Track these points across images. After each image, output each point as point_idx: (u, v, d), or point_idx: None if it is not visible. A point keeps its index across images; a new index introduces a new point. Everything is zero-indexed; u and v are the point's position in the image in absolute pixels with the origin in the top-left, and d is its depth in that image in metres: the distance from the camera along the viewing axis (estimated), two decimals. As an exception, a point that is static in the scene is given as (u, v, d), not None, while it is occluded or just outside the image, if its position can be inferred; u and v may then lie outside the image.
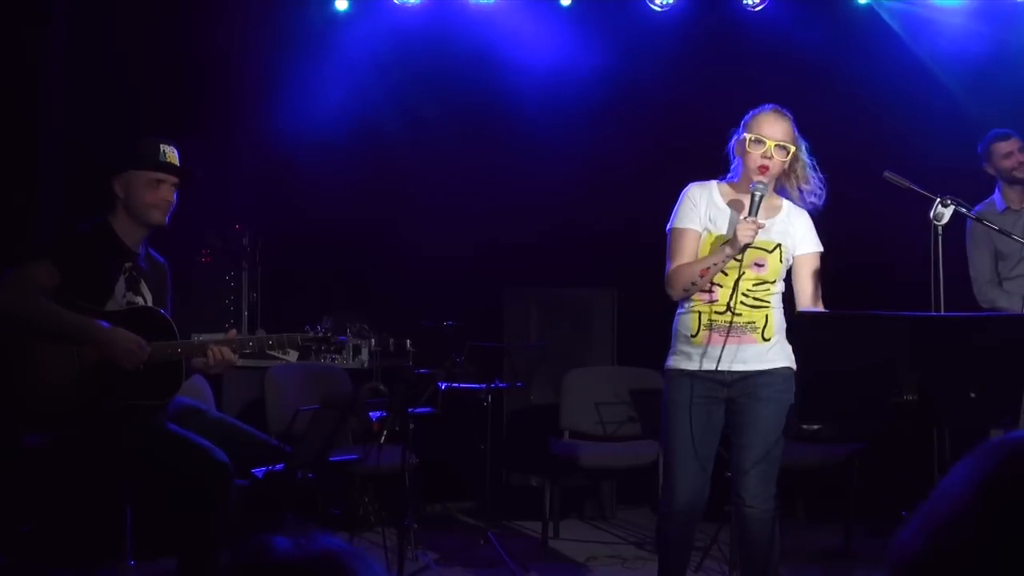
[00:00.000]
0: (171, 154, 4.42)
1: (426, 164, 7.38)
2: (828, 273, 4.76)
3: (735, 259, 4.17)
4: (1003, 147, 6.01)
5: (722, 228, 4.32)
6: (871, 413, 4.33)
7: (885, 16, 7.18)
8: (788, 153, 4.29)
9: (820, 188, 4.46)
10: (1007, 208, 5.99)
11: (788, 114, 4.36)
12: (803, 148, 4.40)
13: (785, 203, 4.40)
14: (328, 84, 7.21)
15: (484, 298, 7.47)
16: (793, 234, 4.40)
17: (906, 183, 4.87)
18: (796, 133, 4.35)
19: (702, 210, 4.36)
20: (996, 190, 6.07)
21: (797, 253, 4.41)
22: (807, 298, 4.39)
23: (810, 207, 4.47)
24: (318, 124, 7.07)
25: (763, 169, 4.22)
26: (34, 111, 5.96)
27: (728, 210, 4.35)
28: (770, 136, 4.25)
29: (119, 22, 6.48)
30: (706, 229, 4.34)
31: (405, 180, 7.40)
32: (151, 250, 4.56)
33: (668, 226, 4.41)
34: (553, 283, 7.39)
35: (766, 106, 4.36)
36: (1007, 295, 5.83)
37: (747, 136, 4.28)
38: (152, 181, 4.38)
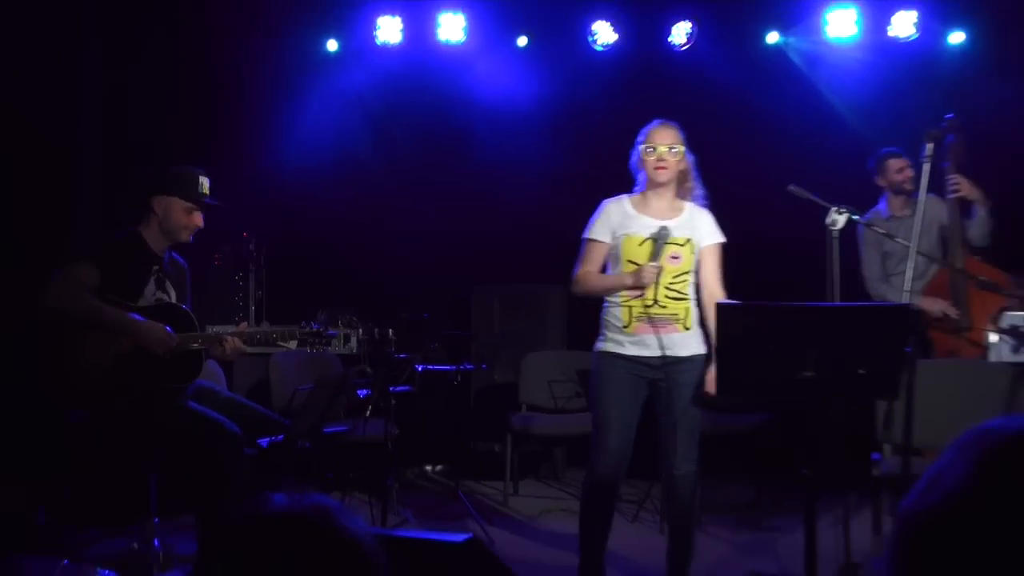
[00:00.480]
0: (206, 187, 4.50)
1: (404, 183, 7.41)
2: (743, 270, 4.82)
3: (640, 286, 4.20)
4: (895, 164, 6.08)
5: (633, 230, 4.33)
6: (777, 388, 4.38)
7: (791, 54, 7.23)
8: (679, 154, 4.35)
9: (702, 195, 4.50)
10: (891, 215, 6.06)
11: (674, 124, 4.42)
12: (689, 159, 4.43)
13: (687, 204, 4.43)
14: (320, 115, 7.23)
15: (454, 294, 7.53)
16: (700, 228, 4.42)
17: (807, 195, 4.92)
18: (683, 139, 4.39)
19: (614, 222, 4.38)
20: (882, 199, 6.13)
21: (703, 245, 4.42)
22: (713, 283, 4.45)
23: (706, 205, 4.49)
24: (312, 149, 7.10)
25: (661, 170, 4.29)
26: (72, 140, 5.93)
27: (638, 215, 4.38)
28: (660, 142, 4.33)
29: (145, 61, 6.47)
30: (623, 235, 4.33)
31: (387, 196, 7.40)
32: (174, 254, 4.61)
33: (584, 234, 4.44)
34: (513, 280, 7.41)
35: (655, 121, 4.43)
36: (894, 289, 5.88)
37: (643, 147, 4.36)
38: (189, 208, 4.43)
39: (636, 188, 4.46)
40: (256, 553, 1.18)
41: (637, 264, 4.24)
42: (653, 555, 4.54)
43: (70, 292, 4.21)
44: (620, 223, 4.38)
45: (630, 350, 4.29)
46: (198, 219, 4.47)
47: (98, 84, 6.06)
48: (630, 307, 4.28)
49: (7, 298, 5.01)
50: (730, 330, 4.28)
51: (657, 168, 4.31)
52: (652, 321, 4.26)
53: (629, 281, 4.21)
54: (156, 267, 4.47)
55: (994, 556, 1.11)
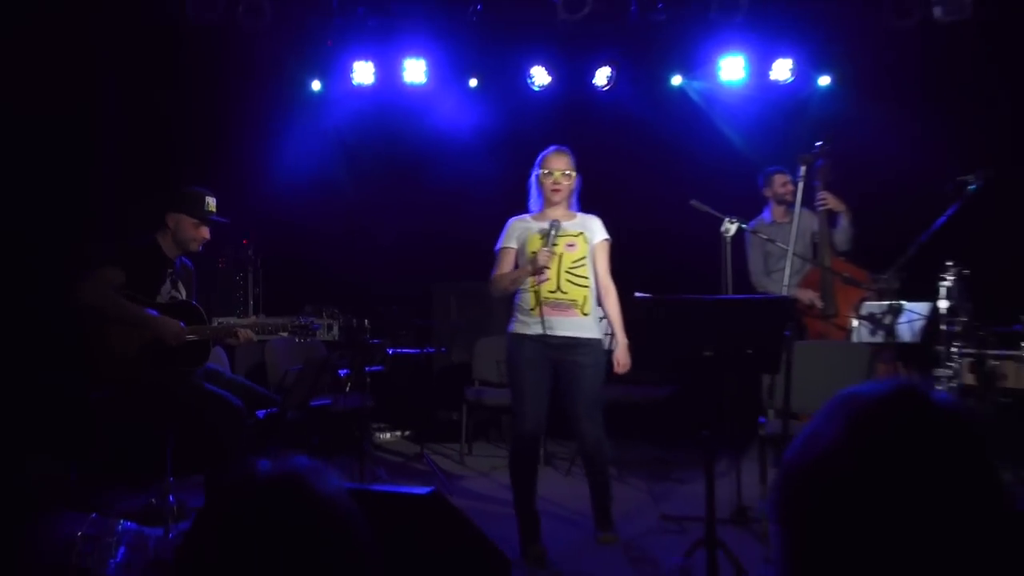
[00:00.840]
0: (212, 205, 4.49)
1: (375, 200, 7.41)
2: (655, 270, 4.87)
3: (538, 272, 4.22)
4: (780, 179, 6.16)
5: (534, 230, 4.36)
6: (682, 365, 4.43)
7: (691, 93, 7.30)
8: (572, 177, 4.37)
9: (578, 199, 4.49)
10: (774, 221, 6.14)
11: (567, 150, 4.44)
12: (576, 180, 4.43)
13: (579, 213, 4.43)
14: (306, 143, 7.20)
15: (418, 290, 7.55)
16: (591, 228, 4.43)
17: (705, 208, 4.98)
18: (574, 163, 4.41)
19: (516, 234, 4.40)
20: (767, 209, 6.22)
21: (595, 241, 4.41)
22: (604, 275, 4.46)
23: (596, 213, 4.50)
24: (299, 172, 7.06)
25: (556, 192, 4.33)
26: (89, 158, 5.85)
27: (536, 225, 4.39)
28: (556, 168, 4.35)
29: (155, 95, 6.39)
30: (525, 236, 4.36)
31: (361, 211, 7.40)
32: (183, 259, 4.58)
33: (496, 247, 4.47)
34: (466, 279, 7.41)
35: (550, 147, 4.45)
36: (774, 283, 5.95)
37: (541, 171, 4.38)
38: (197, 224, 4.42)
39: (534, 208, 4.48)
40: (246, 511, 1.17)
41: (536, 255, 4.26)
42: (583, 502, 4.57)
43: (99, 291, 4.18)
44: (522, 235, 4.40)
45: (535, 330, 4.26)
46: (205, 233, 4.46)
47: (115, 111, 5.97)
48: (536, 292, 4.26)
49: (41, 297, 4.94)
50: (645, 318, 4.32)
51: (553, 190, 4.35)
52: (554, 305, 4.26)
53: (530, 268, 4.23)
54: (170, 270, 4.45)
55: (861, 497, 1.12)
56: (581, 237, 4.35)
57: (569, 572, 4.05)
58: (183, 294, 4.51)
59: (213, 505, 1.22)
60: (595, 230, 4.45)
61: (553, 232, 4.24)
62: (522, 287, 4.32)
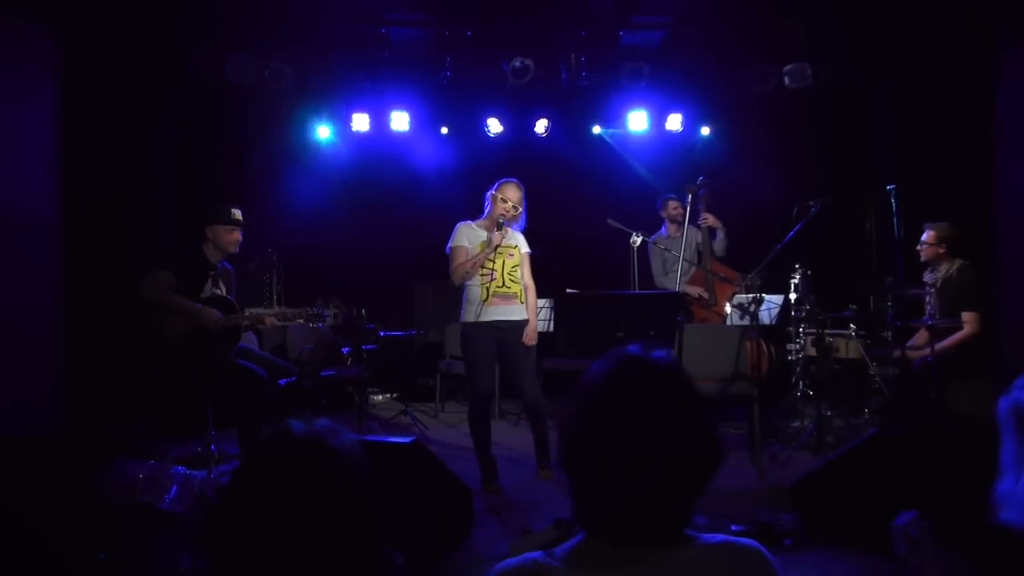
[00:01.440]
0: (237, 214, 4.38)
1: (370, 217, 7.29)
2: (581, 272, 4.84)
3: (494, 255, 4.19)
4: (672, 204, 6.18)
5: (480, 240, 4.30)
6: (600, 345, 4.42)
7: (608, 139, 7.30)
8: (518, 208, 4.29)
9: (524, 222, 4.41)
10: (669, 235, 6.17)
11: (521, 186, 4.36)
12: (522, 203, 4.35)
13: (509, 229, 4.31)
14: (317, 175, 7.09)
15: (403, 287, 7.45)
16: (520, 242, 4.39)
17: (618, 225, 4.98)
18: (523, 195, 4.34)
19: (465, 236, 4.33)
20: (664, 226, 6.24)
21: (524, 252, 4.38)
22: (527, 276, 4.39)
23: (523, 228, 4.42)
24: (313, 195, 6.94)
25: (504, 215, 4.23)
26: (157, 189, 5.72)
27: (482, 232, 4.33)
28: (511, 198, 4.28)
29: (202, 134, 6.26)
30: (473, 244, 4.29)
31: (359, 228, 7.27)
32: (225, 263, 4.47)
33: (448, 247, 4.35)
34: (440, 278, 7.30)
35: (512, 179, 4.36)
36: (670, 281, 5.98)
37: (498, 195, 4.29)
38: (229, 230, 4.32)
39: (483, 216, 4.39)
40: (283, 461, 1.15)
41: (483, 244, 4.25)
42: (529, 447, 4.54)
43: (154, 288, 4.11)
44: (471, 235, 4.33)
45: (486, 316, 4.20)
46: (238, 235, 4.36)
47: (171, 149, 5.85)
48: (486, 287, 4.22)
49: (115, 291, 4.82)
50: (572, 309, 4.32)
51: (501, 214, 4.25)
52: (501, 296, 4.23)
53: (487, 250, 4.18)
54: (212, 272, 4.35)
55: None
56: (516, 249, 4.33)
57: (517, 499, 4.01)
58: (223, 291, 4.40)
59: (255, 456, 1.19)
60: (522, 244, 4.41)
61: (503, 223, 4.21)
62: (474, 284, 4.25)
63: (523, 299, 4.31)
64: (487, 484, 4.22)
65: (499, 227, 4.21)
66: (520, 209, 4.32)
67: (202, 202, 5.01)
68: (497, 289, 4.21)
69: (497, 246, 4.18)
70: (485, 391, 4.26)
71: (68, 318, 4.55)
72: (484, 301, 4.20)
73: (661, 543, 1.14)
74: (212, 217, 4.33)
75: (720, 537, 1.15)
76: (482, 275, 4.23)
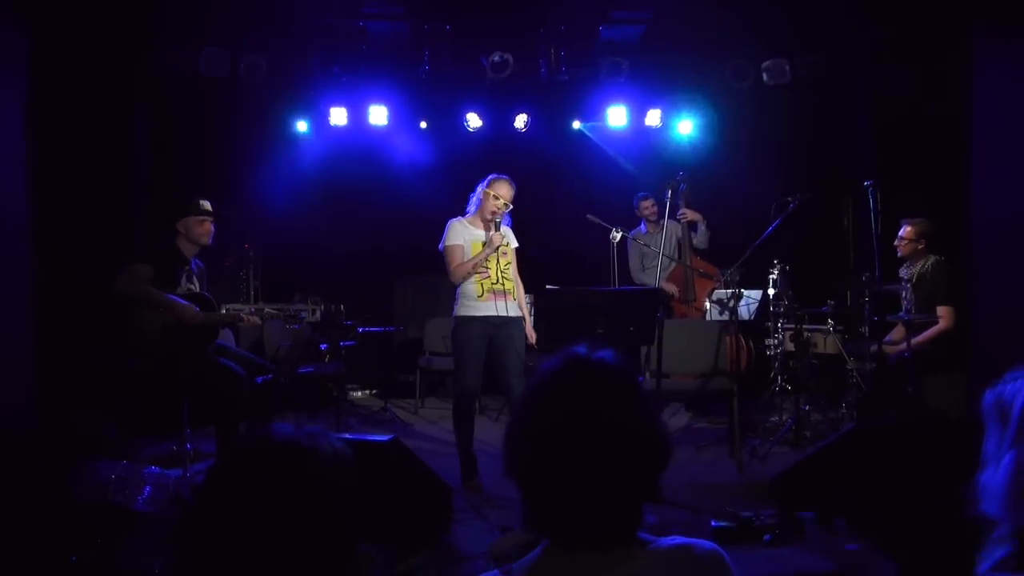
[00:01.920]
0: (207, 204, 4.32)
1: (350, 213, 7.23)
2: (560, 266, 4.83)
3: (492, 253, 4.19)
4: (645, 204, 6.19)
5: (475, 236, 4.28)
6: (580, 340, 4.41)
7: (588, 135, 7.29)
8: (509, 206, 4.27)
9: (510, 218, 4.41)
10: (648, 231, 6.18)
11: (512, 182, 4.31)
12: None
13: (502, 226, 4.32)
14: (294, 169, 7.01)
15: (382, 283, 7.41)
16: (511, 238, 4.40)
17: (598, 220, 4.98)
18: (514, 191, 4.31)
19: (460, 234, 4.30)
20: (642, 222, 6.25)
21: (512, 247, 4.39)
22: (515, 272, 4.40)
23: (508, 224, 4.42)
24: (290, 191, 6.87)
25: (495, 212, 4.21)
26: (130, 180, 5.64)
27: (475, 229, 4.31)
28: (502, 195, 4.24)
29: (176, 128, 6.16)
30: (469, 241, 4.27)
31: (339, 223, 7.21)
32: (196, 261, 4.39)
33: (441, 245, 4.32)
34: (420, 274, 7.34)
35: (503, 175, 4.31)
36: (649, 277, 6.00)
37: (490, 192, 4.24)
38: (200, 221, 4.26)
39: (471, 210, 4.36)
40: (267, 462, 1.11)
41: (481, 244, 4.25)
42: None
43: (131, 283, 4.05)
44: (465, 233, 4.30)
45: (481, 312, 4.20)
46: (209, 226, 4.31)
47: (144, 142, 5.76)
48: (482, 284, 4.22)
49: (89, 286, 4.75)
50: (552, 304, 4.30)
51: (493, 212, 4.22)
52: (495, 293, 4.22)
53: (487, 251, 4.17)
54: (186, 267, 4.30)
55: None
56: (509, 248, 4.34)
57: (497, 496, 3.98)
58: (197, 287, 4.36)
59: (235, 456, 1.14)
60: (512, 239, 4.42)
61: (497, 222, 4.22)
62: (470, 280, 4.23)
63: (515, 295, 4.32)
64: (467, 481, 4.20)
65: (496, 227, 4.20)
66: (509, 208, 4.30)
67: (177, 197, 4.96)
68: (492, 286, 4.22)
69: (496, 248, 4.18)
70: (471, 388, 4.24)
71: (39, 315, 4.47)
72: (479, 297, 4.21)
73: (614, 547, 1.12)
74: (182, 210, 4.28)
75: (678, 540, 1.13)
76: (477, 272, 4.23)
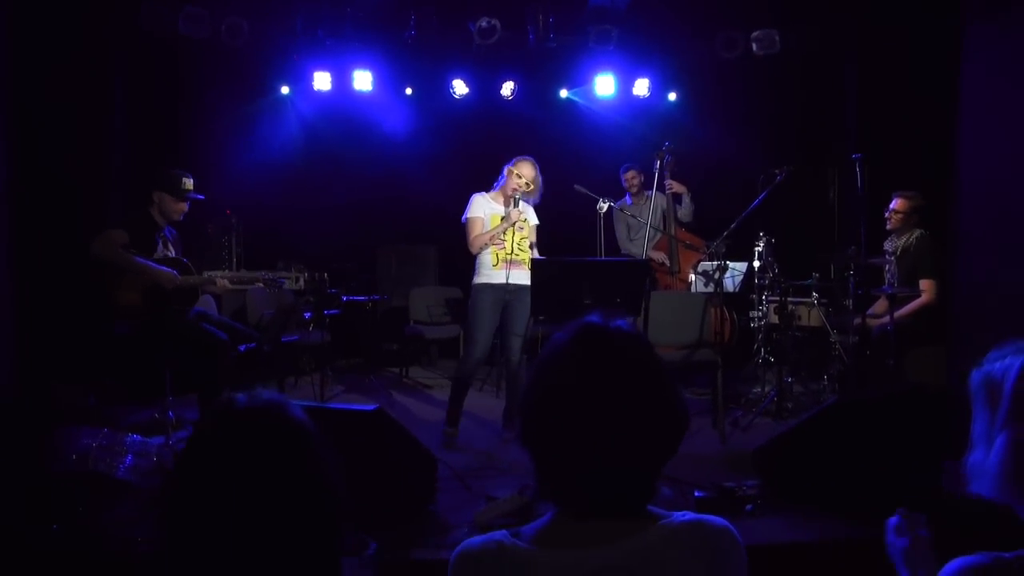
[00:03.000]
0: (188, 184, 4.24)
1: (331, 179, 7.14)
2: (551, 236, 4.81)
3: (510, 227, 4.36)
4: (630, 175, 6.17)
5: (495, 211, 4.45)
6: (568, 310, 4.39)
7: (576, 104, 7.22)
8: (531, 186, 4.43)
9: (540, 196, 4.56)
10: (634, 203, 6.15)
11: (536, 163, 4.49)
12: (539, 180, 4.50)
13: (522, 202, 4.45)
14: (277, 134, 6.91)
15: (367, 251, 7.35)
16: (530, 215, 4.53)
17: (585, 191, 4.95)
18: (537, 172, 4.48)
19: (484, 206, 4.46)
20: (627, 193, 6.22)
21: (532, 224, 4.54)
22: (534, 248, 4.55)
23: (536, 203, 4.56)
24: (272, 156, 6.78)
25: (516, 189, 4.39)
26: (107, 144, 5.51)
27: (496, 203, 4.48)
28: (524, 175, 4.42)
29: (155, 90, 6.02)
30: (489, 215, 4.43)
31: (320, 188, 7.11)
32: (168, 228, 4.32)
33: (464, 217, 4.47)
34: (404, 242, 7.29)
35: (528, 156, 4.51)
36: (635, 247, 5.98)
37: (513, 170, 4.42)
38: (175, 200, 4.21)
39: (496, 187, 4.52)
40: (231, 433, 1.10)
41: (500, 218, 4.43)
42: (494, 411, 4.54)
43: (106, 247, 3.99)
44: (487, 207, 4.47)
45: (494, 279, 4.38)
46: (183, 207, 4.24)
47: (122, 105, 5.62)
48: (497, 254, 4.40)
49: (67, 252, 4.67)
50: (541, 275, 4.31)
51: (514, 189, 4.41)
52: (509, 262, 4.37)
53: (504, 224, 4.36)
54: (161, 234, 4.25)
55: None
56: (527, 223, 4.50)
57: (482, 466, 3.96)
58: (172, 253, 4.30)
59: (207, 425, 1.14)
60: (532, 216, 4.59)
61: (518, 198, 4.38)
62: (486, 251, 4.41)
63: (528, 266, 4.43)
64: (448, 430, 4.41)
65: (515, 203, 4.37)
66: (533, 186, 4.47)
67: (156, 162, 4.85)
68: (507, 256, 4.40)
69: (513, 223, 4.35)
70: (477, 359, 4.41)
71: (16, 281, 4.39)
72: (494, 266, 4.40)
73: (626, 516, 1.12)
74: (161, 183, 4.19)
75: (690, 516, 1.13)
76: (494, 243, 4.42)
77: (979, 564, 1.04)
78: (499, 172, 4.57)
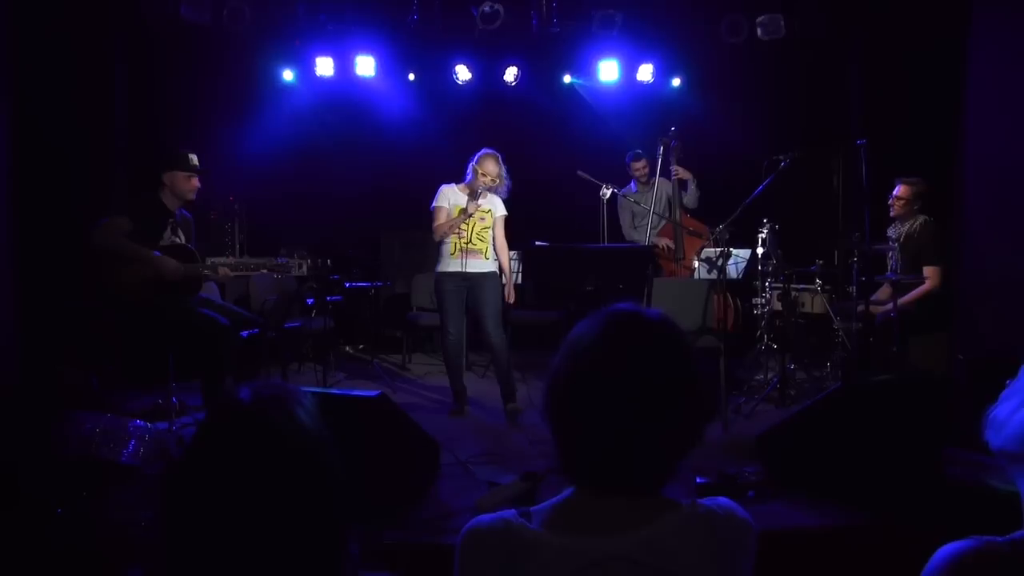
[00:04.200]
0: (195, 160, 4.24)
1: (334, 165, 7.11)
2: (551, 221, 4.80)
3: (467, 219, 4.49)
4: (636, 164, 6.12)
5: (459, 202, 4.56)
6: (570, 296, 4.41)
7: (579, 89, 7.18)
8: (497, 181, 4.57)
9: (507, 190, 4.67)
10: (638, 189, 6.12)
11: (500, 157, 4.59)
12: (504, 174, 4.58)
13: (488, 195, 4.59)
14: (280, 120, 6.87)
15: (370, 237, 7.34)
16: (496, 206, 4.64)
17: (587, 176, 4.93)
18: (501, 166, 4.58)
19: (447, 197, 4.60)
20: (633, 181, 6.19)
21: (497, 215, 4.64)
22: (500, 237, 4.69)
23: (505, 195, 4.68)
24: (275, 142, 6.73)
25: (481, 185, 4.50)
26: (109, 130, 5.50)
27: (461, 195, 4.59)
28: (489, 172, 4.54)
29: (158, 77, 6.00)
30: (452, 205, 4.56)
31: (323, 174, 7.09)
32: (183, 211, 4.35)
33: (432, 205, 4.63)
34: (407, 229, 7.27)
35: (491, 151, 4.59)
36: (639, 234, 5.96)
37: (477, 168, 4.54)
38: (187, 177, 4.19)
39: (465, 181, 4.62)
40: (235, 433, 1.09)
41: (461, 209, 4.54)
42: (496, 397, 4.55)
43: (113, 236, 3.97)
44: (452, 197, 4.60)
45: (452, 267, 4.54)
46: (196, 182, 4.23)
47: (125, 91, 5.60)
48: (455, 243, 4.54)
49: (69, 238, 4.67)
50: (540, 261, 4.33)
51: (480, 185, 4.52)
52: (465, 251, 4.51)
53: (463, 216, 4.48)
54: (171, 220, 4.23)
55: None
56: (489, 213, 4.59)
57: (484, 452, 3.95)
58: (182, 239, 4.28)
59: (207, 424, 1.12)
60: (498, 207, 4.66)
61: (480, 192, 4.50)
62: (447, 240, 4.55)
63: (487, 255, 4.60)
64: (456, 411, 4.61)
65: (476, 196, 4.49)
66: (499, 180, 4.56)
67: (159, 147, 4.84)
68: (465, 245, 4.54)
69: (470, 215, 4.50)
70: (456, 333, 4.61)
71: (18, 266, 4.39)
72: (452, 254, 4.56)
73: (643, 497, 1.13)
74: (169, 163, 4.18)
75: (708, 503, 1.14)
76: (455, 232, 4.55)
77: (969, 549, 1.01)
78: (505, 158, 4.61)
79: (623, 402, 1.10)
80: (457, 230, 4.53)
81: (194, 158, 4.23)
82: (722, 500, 1.15)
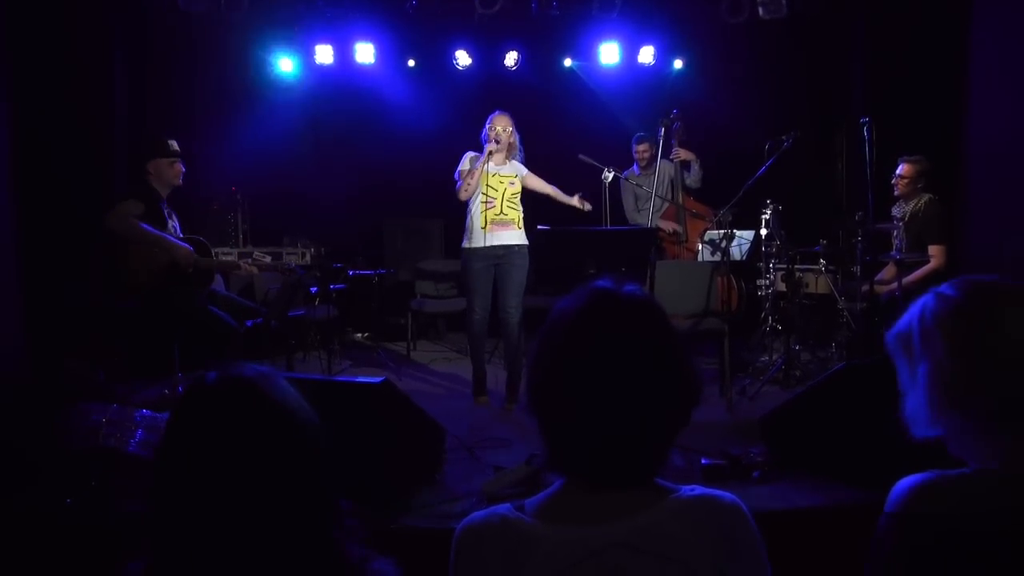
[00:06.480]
0: (174, 144, 4.24)
1: (336, 153, 7.11)
2: (554, 207, 4.77)
3: (488, 160, 4.36)
4: (640, 147, 6.09)
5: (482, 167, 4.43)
6: (574, 279, 4.39)
7: (580, 72, 7.13)
8: (509, 133, 4.49)
9: (522, 153, 4.63)
10: (641, 172, 6.09)
11: (507, 112, 4.57)
12: (515, 135, 4.56)
13: (510, 160, 4.55)
14: (280, 109, 6.84)
15: (373, 225, 7.32)
16: (519, 169, 4.56)
17: (590, 160, 4.91)
18: (512, 124, 4.53)
19: (471, 160, 4.51)
20: (635, 163, 6.16)
21: (524, 175, 4.58)
22: (542, 183, 4.66)
23: (523, 160, 4.64)
24: (276, 131, 6.70)
25: (497, 141, 4.43)
26: (110, 124, 5.49)
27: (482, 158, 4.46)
28: (499, 126, 4.46)
29: (158, 74, 5.97)
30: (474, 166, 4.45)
31: (325, 162, 7.09)
32: (165, 204, 4.31)
33: (456, 171, 4.53)
34: (410, 216, 7.26)
35: (496, 111, 4.57)
36: (642, 217, 5.94)
37: (488, 127, 4.48)
38: (170, 162, 4.20)
39: (483, 143, 4.54)
40: (203, 412, 1.08)
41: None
42: (502, 383, 4.56)
43: (122, 220, 3.97)
44: (474, 161, 4.47)
45: (483, 243, 4.38)
46: (179, 167, 4.24)
47: (124, 82, 5.58)
48: (486, 215, 4.37)
49: (74, 225, 4.67)
50: (543, 245, 4.30)
51: (495, 140, 4.41)
52: (497, 223, 4.39)
53: (482, 156, 4.38)
54: (168, 208, 4.25)
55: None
56: (516, 178, 4.50)
57: (490, 436, 3.96)
58: (178, 227, 4.30)
59: (176, 411, 1.11)
60: (520, 169, 4.59)
61: (495, 141, 4.43)
62: (475, 212, 4.42)
63: (519, 224, 4.48)
64: (478, 399, 4.56)
65: (495, 143, 4.44)
66: (508, 132, 4.49)
67: (146, 139, 4.84)
68: (495, 216, 4.39)
69: (490, 153, 4.36)
70: (480, 315, 4.48)
71: (22, 257, 4.39)
72: (483, 227, 4.39)
73: (636, 487, 1.11)
74: (151, 152, 4.19)
75: (699, 490, 1.12)
76: (483, 203, 4.38)
77: (926, 480, 1.11)
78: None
79: (605, 387, 1.07)
80: (486, 197, 4.37)
81: (174, 144, 4.23)
82: (698, 489, 1.12)
